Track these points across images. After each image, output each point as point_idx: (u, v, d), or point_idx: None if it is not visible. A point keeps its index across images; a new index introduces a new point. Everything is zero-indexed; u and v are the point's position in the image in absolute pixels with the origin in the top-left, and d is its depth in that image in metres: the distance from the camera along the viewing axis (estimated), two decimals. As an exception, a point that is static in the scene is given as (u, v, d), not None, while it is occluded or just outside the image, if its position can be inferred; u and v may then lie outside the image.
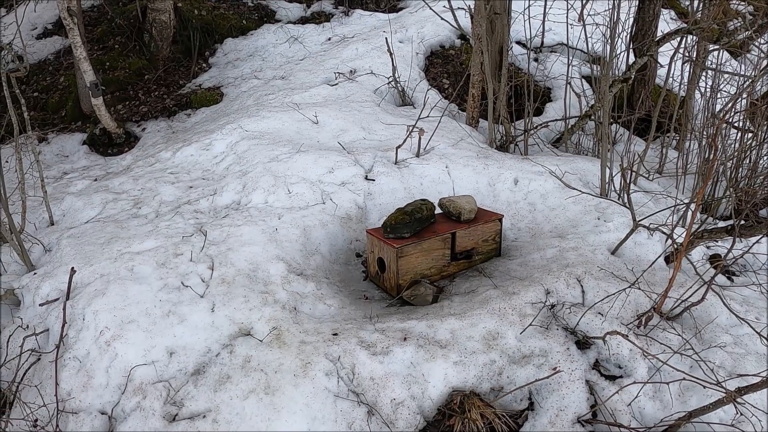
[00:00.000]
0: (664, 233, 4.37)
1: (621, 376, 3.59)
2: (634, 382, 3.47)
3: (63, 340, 3.75)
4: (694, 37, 6.50)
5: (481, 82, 6.49)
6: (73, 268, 4.13)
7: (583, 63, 8.02)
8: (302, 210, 4.95)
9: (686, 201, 4.77)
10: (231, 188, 5.32)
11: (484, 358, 3.52)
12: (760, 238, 4.80)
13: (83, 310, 3.86)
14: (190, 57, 9.12)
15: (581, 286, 4.05)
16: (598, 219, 4.85)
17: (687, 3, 7.83)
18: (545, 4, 6.89)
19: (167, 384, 3.51)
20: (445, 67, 8.23)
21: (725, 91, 6.32)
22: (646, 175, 6.03)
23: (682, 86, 6.76)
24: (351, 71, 7.77)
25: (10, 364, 3.82)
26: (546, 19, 7.25)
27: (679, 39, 6.15)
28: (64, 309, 3.83)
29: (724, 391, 3.10)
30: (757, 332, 3.70)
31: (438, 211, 4.76)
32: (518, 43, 8.47)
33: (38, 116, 8.33)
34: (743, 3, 9.45)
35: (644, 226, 4.33)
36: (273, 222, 4.76)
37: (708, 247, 4.90)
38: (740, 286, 4.54)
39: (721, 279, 4.62)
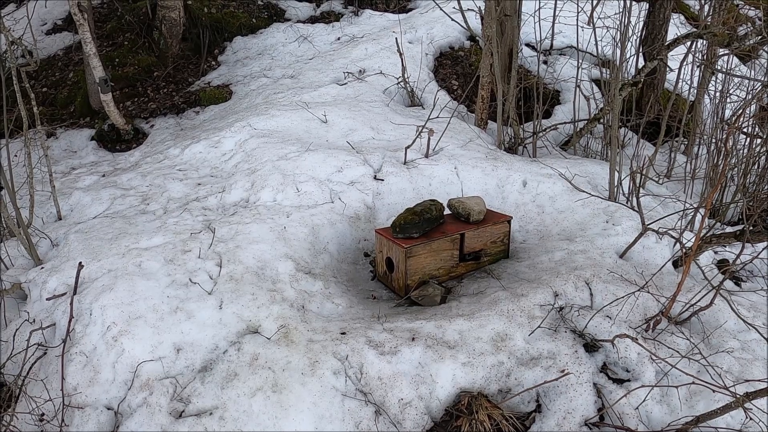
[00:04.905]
0: (673, 237, 4.36)
1: (629, 380, 3.58)
2: (642, 386, 3.46)
3: (70, 334, 3.75)
4: (704, 42, 6.49)
5: (491, 83, 6.48)
6: (80, 262, 4.13)
7: (593, 66, 8.00)
8: (311, 209, 4.94)
9: (695, 205, 4.75)
10: (240, 186, 5.32)
11: (492, 359, 3.52)
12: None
13: (90, 305, 3.86)
14: (200, 54, 9.14)
15: (590, 288, 4.04)
16: (607, 222, 4.84)
17: (697, 7, 7.82)
18: (555, 7, 6.88)
19: (174, 380, 3.50)
20: (454, 68, 8.22)
21: (736, 95, 6.30)
22: (656, 179, 6.02)
23: (691, 90, 6.75)
24: (360, 71, 7.76)
25: (16, 357, 3.81)
26: (556, 21, 7.25)
27: (689, 43, 6.13)
28: (71, 303, 3.83)
29: (733, 395, 3.09)
30: (764, 338, 3.69)
31: (447, 211, 4.75)
32: (528, 45, 8.45)
33: (47, 111, 8.35)
34: (753, 8, 9.42)
35: (653, 230, 4.32)
36: (281, 220, 4.76)
37: (716, 252, 4.89)
38: (748, 292, 4.53)
39: (728, 284, 4.61)
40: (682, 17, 10.04)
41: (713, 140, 5.82)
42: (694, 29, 6.06)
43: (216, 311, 3.83)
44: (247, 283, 4.06)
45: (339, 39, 9.17)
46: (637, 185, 4.72)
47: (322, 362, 3.45)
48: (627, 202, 5.14)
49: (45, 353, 3.81)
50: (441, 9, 7.17)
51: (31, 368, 3.74)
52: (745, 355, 3.78)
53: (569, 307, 3.90)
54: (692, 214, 4.93)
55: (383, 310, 4.15)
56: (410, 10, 10.00)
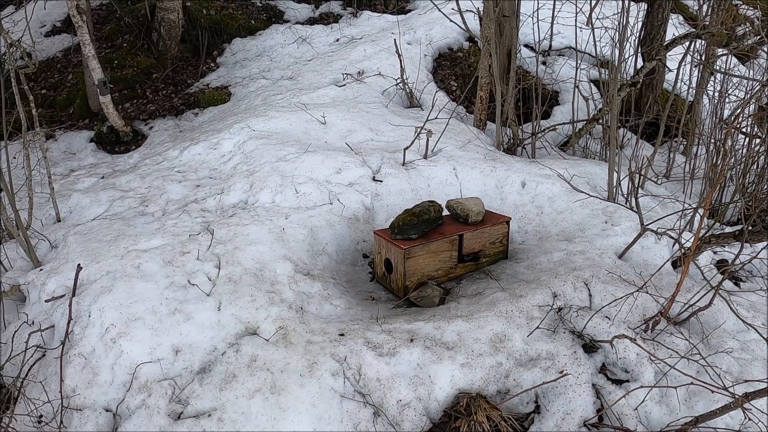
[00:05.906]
0: (671, 237, 4.35)
1: (628, 381, 3.57)
2: (641, 387, 3.45)
3: (68, 336, 3.75)
4: (703, 42, 6.49)
5: (489, 84, 6.48)
6: (79, 264, 4.12)
7: (592, 67, 8.00)
8: (309, 210, 4.94)
9: (694, 206, 4.75)
10: (238, 187, 5.32)
11: (490, 360, 3.51)
12: (768, 244, 4.78)
13: (89, 307, 3.86)
14: (199, 56, 9.14)
15: (588, 289, 4.04)
16: (606, 223, 4.84)
17: (695, 8, 7.83)
18: (554, 7, 6.88)
19: (173, 382, 3.50)
20: (453, 69, 8.22)
21: (734, 96, 6.30)
22: (654, 179, 6.02)
23: (690, 90, 6.74)
24: (359, 72, 7.76)
25: (15, 359, 3.81)
26: (555, 22, 7.25)
27: (688, 43, 6.13)
28: (69, 305, 3.83)
29: (733, 396, 3.08)
30: (764, 338, 3.68)
31: (445, 212, 4.75)
32: (526, 46, 8.46)
33: (46, 113, 8.35)
34: (752, 8, 9.43)
35: (652, 231, 4.31)
36: (280, 222, 4.76)
37: (715, 252, 4.88)
38: (747, 292, 4.52)
39: (727, 284, 4.60)
40: (681, 17, 10.04)
41: (712, 140, 5.81)
42: (693, 29, 6.06)
43: (214, 313, 3.83)
44: (245, 285, 4.05)
45: (338, 40, 9.17)
46: (636, 186, 4.71)
47: (321, 363, 3.45)
48: (626, 203, 5.14)
49: (44, 355, 3.81)
50: (440, 10, 7.16)
51: (29, 370, 3.74)
52: (744, 356, 3.78)
53: (568, 307, 3.90)
54: (691, 214, 4.92)
55: (382, 311, 4.15)
56: (409, 11, 10.00)
